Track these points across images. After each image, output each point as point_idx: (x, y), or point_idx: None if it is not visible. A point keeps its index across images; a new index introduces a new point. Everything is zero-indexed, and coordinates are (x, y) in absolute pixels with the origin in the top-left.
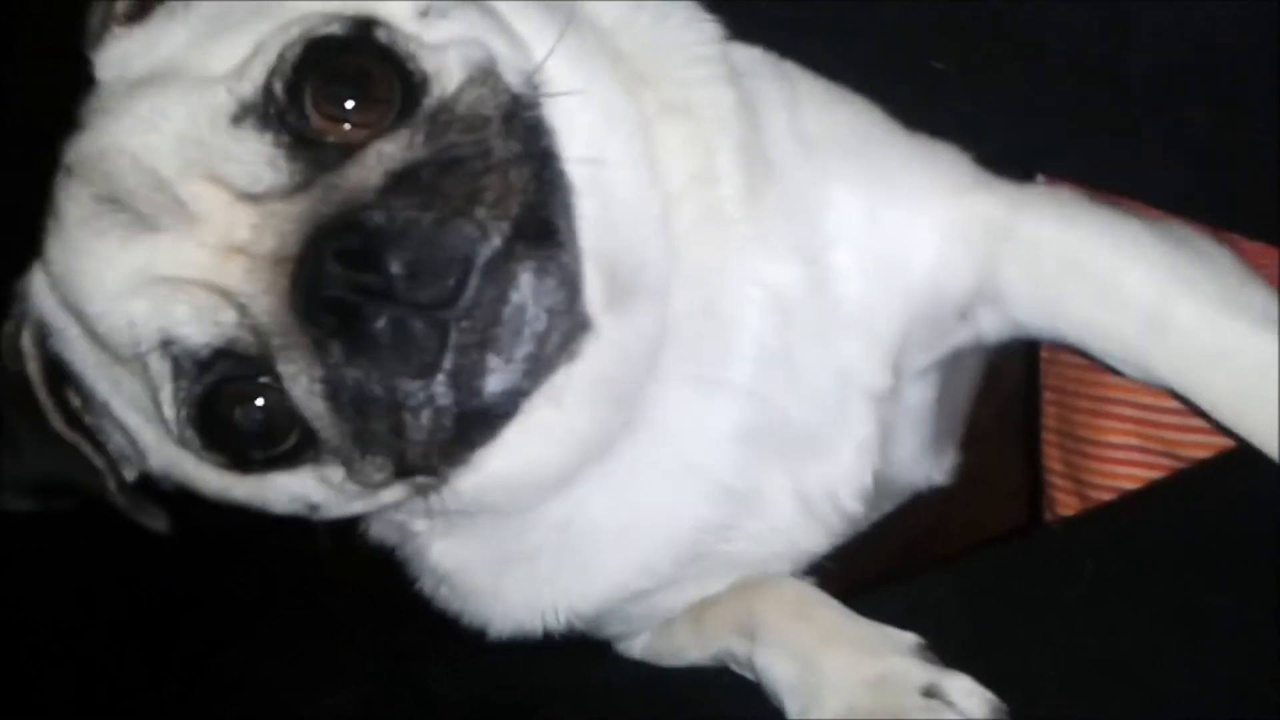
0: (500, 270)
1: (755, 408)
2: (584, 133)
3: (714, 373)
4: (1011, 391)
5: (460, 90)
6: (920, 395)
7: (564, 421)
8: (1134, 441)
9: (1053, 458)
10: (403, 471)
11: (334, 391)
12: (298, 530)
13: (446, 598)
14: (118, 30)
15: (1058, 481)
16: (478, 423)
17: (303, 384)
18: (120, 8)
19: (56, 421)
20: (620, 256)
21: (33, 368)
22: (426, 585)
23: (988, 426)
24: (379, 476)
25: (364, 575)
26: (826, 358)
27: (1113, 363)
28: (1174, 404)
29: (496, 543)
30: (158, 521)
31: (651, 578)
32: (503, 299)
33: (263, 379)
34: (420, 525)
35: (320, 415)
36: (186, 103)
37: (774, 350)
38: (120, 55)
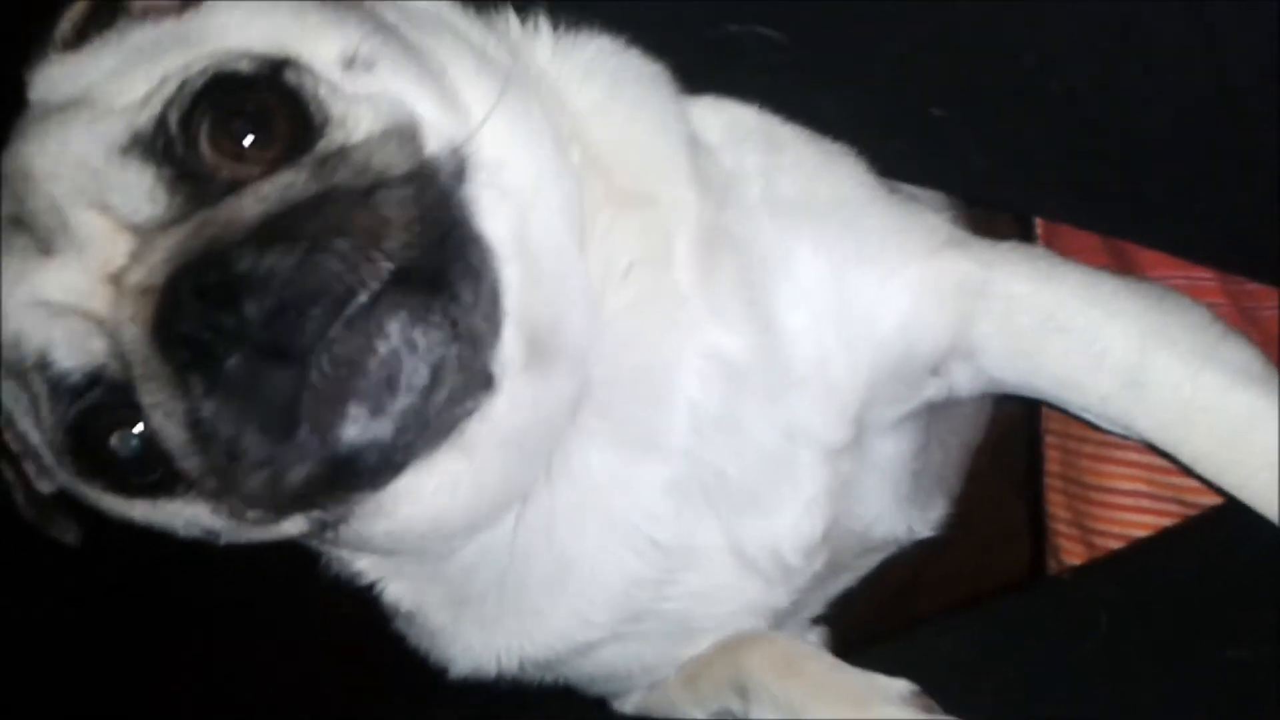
0: (369, 317)
1: (687, 467)
2: (513, 200)
3: (643, 435)
4: (1003, 435)
5: (365, 141)
6: (892, 448)
7: (470, 472)
8: (1142, 488)
9: (1057, 504)
10: (279, 509)
11: (194, 423)
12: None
13: (414, 635)
14: (54, 56)
15: (1062, 529)
16: (350, 471)
17: (159, 415)
18: (59, 34)
19: None
20: (540, 321)
21: None
22: (397, 623)
23: (980, 470)
24: (249, 514)
25: None
26: (774, 416)
27: (1090, 417)
28: None
29: (447, 585)
30: (68, 534)
31: (590, 629)
32: (368, 348)
33: (133, 408)
34: (361, 564)
35: (178, 448)
36: (88, 131)
37: (713, 414)
38: (50, 80)
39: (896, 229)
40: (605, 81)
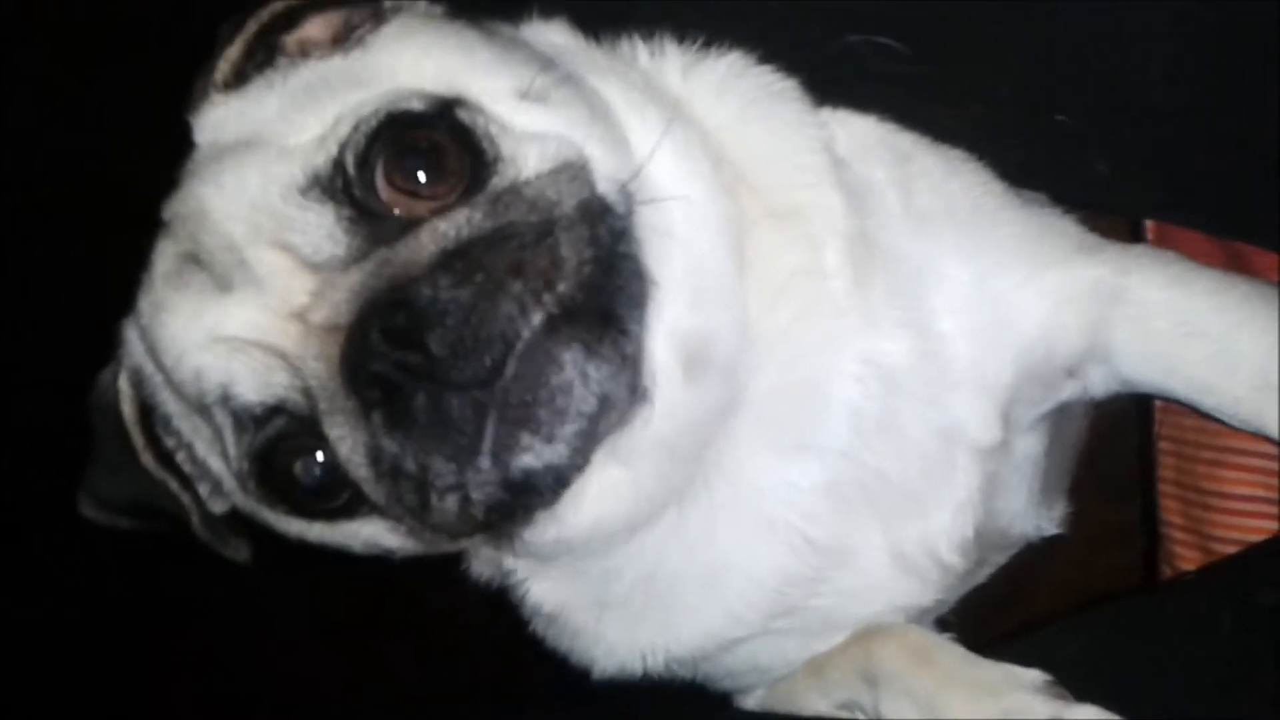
0: (542, 350)
1: (845, 469)
2: (678, 229)
3: (801, 439)
4: (1100, 442)
5: (535, 178)
6: (1029, 447)
7: (629, 478)
8: (1259, 493)
9: (1171, 510)
10: (461, 532)
11: (376, 457)
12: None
13: (554, 637)
14: (216, 97)
15: (1178, 535)
16: (526, 494)
17: (346, 447)
18: (220, 76)
19: (147, 459)
20: (696, 338)
21: (127, 409)
22: (535, 624)
23: (1078, 479)
24: (429, 537)
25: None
26: (932, 418)
27: (1223, 418)
28: None
29: (593, 586)
30: (240, 553)
31: (740, 626)
32: (542, 380)
33: (316, 438)
34: (511, 564)
35: (363, 477)
36: (264, 172)
37: (874, 418)
38: (215, 121)
39: (1032, 235)
40: (738, 99)
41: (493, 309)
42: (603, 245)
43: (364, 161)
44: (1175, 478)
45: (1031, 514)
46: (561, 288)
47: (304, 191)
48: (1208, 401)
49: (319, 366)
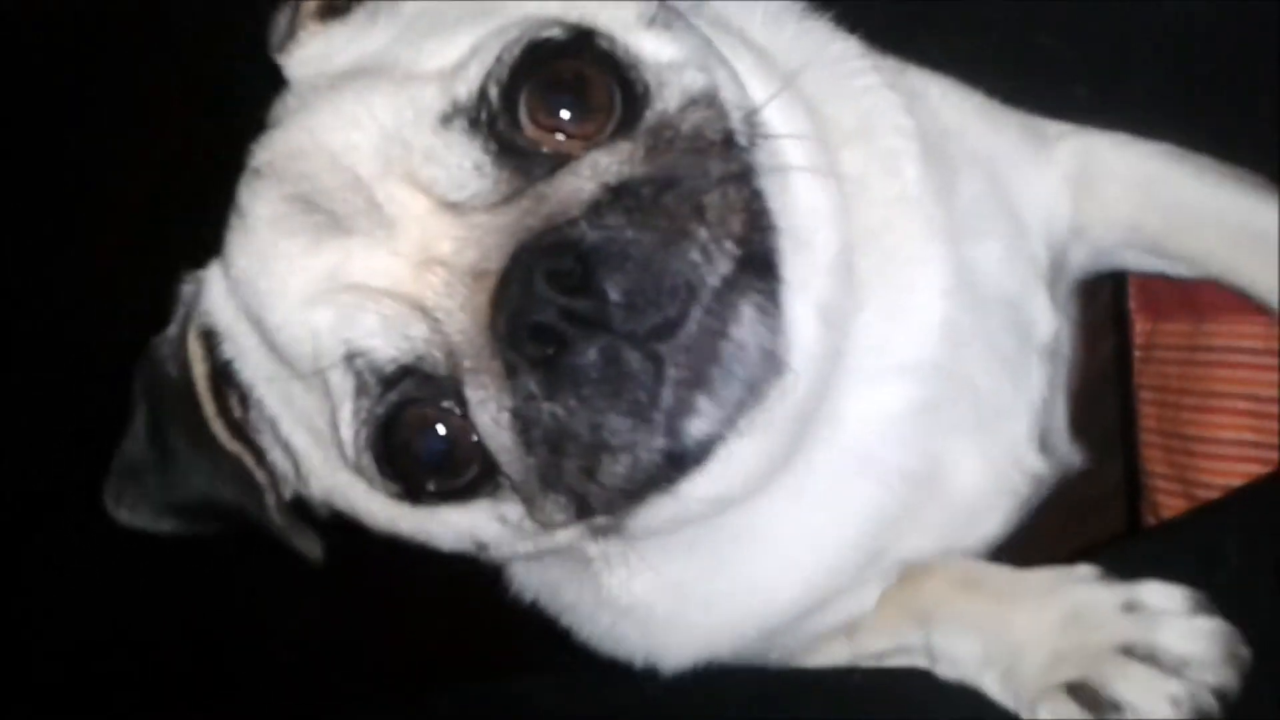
0: (723, 302)
1: (937, 385)
2: (791, 181)
3: (894, 362)
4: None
5: (683, 109)
6: (1066, 343)
7: (753, 450)
8: (1248, 436)
9: (1154, 460)
10: (584, 513)
11: (525, 424)
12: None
13: (619, 635)
14: (312, 27)
15: (1162, 484)
16: (673, 466)
17: (490, 412)
18: (310, 6)
19: (219, 430)
20: (825, 293)
21: (199, 371)
22: (587, 627)
23: None
24: (559, 517)
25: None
26: (1014, 320)
27: (1194, 274)
28: None
29: (677, 566)
30: (313, 547)
31: (837, 577)
32: (722, 334)
33: (446, 404)
34: (594, 550)
35: (505, 447)
36: (394, 99)
37: (966, 328)
38: (318, 53)
39: (1026, 133)
40: (809, 46)
41: (672, 252)
42: (754, 191)
43: (508, 94)
44: (1158, 426)
45: (1066, 435)
46: (735, 233)
47: (445, 121)
48: (1176, 262)
49: (464, 318)
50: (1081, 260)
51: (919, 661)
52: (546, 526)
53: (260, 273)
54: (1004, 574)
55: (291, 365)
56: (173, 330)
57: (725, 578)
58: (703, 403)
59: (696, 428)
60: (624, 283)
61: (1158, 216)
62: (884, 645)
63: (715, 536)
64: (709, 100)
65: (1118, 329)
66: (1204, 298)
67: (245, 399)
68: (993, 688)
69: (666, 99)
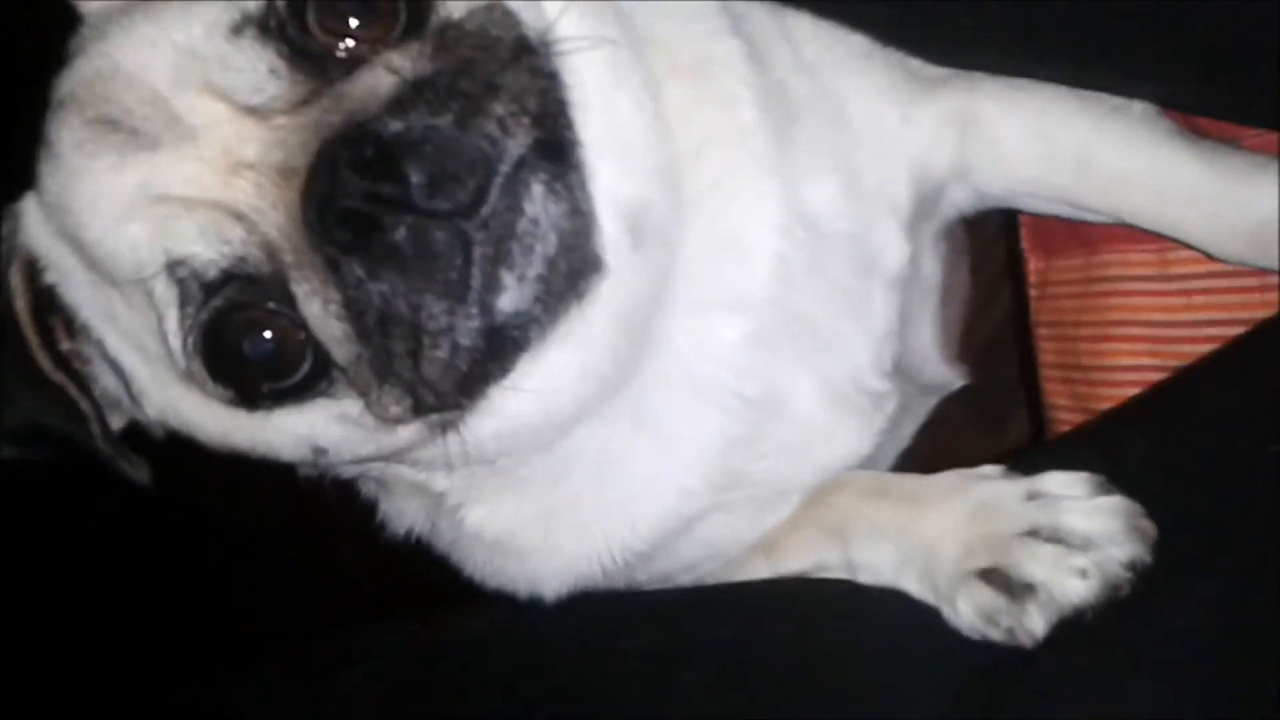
0: (517, 180)
1: (770, 317)
2: (592, 88)
3: (725, 295)
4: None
5: (468, 14)
6: (929, 272)
7: (578, 360)
8: (1146, 361)
9: (1056, 393)
10: (418, 406)
11: (354, 310)
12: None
13: (495, 568)
14: None
15: (1064, 416)
16: (493, 351)
17: (317, 304)
18: None
19: (44, 362)
20: (635, 200)
21: (20, 304)
22: (468, 562)
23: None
24: (396, 409)
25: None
26: (853, 254)
27: (1052, 208)
28: (1186, 317)
29: (534, 497)
30: (140, 472)
31: (692, 500)
32: (517, 209)
33: (272, 304)
34: (442, 483)
35: (337, 337)
36: (184, 15)
37: (800, 264)
38: None
39: (898, 74)
40: None
41: (472, 135)
42: (548, 80)
43: (295, 2)
44: (1057, 360)
45: (937, 358)
46: (531, 120)
47: (236, 30)
48: (1043, 194)
49: (278, 216)
50: (963, 199)
51: (840, 576)
52: (384, 420)
53: (72, 195)
54: (910, 480)
55: (114, 282)
56: None
57: (583, 506)
58: (506, 277)
59: (505, 302)
60: (425, 164)
61: (1067, 173)
62: (804, 564)
63: (566, 466)
64: (492, 7)
65: (1010, 266)
66: (1095, 231)
67: (71, 325)
68: (912, 587)
69: (450, 5)
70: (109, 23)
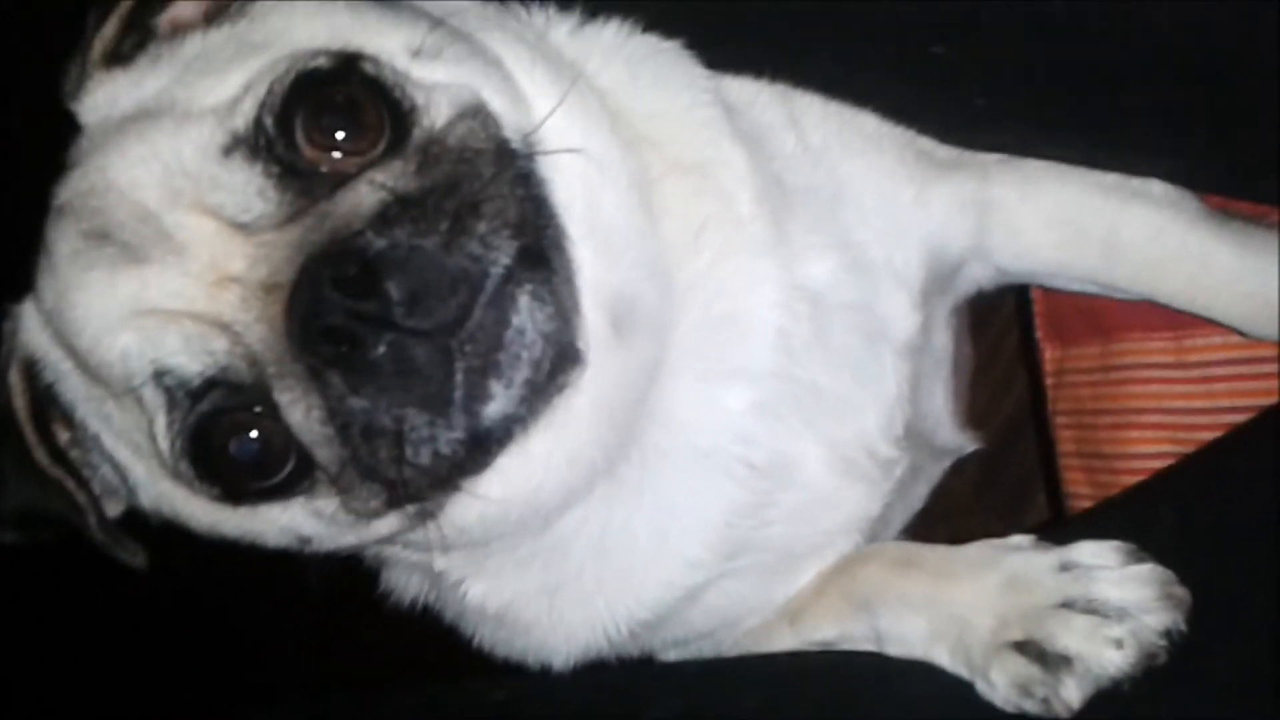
0: (502, 294)
1: (776, 387)
2: (579, 183)
3: (729, 367)
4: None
5: (450, 124)
6: (942, 344)
7: (563, 447)
8: (1166, 448)
9: (1076, 481)
10: (395, 501)
11: (335, 418)
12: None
13: (502, 639)
14: (99, 75)
15: (1084, 505)
16: (474, 450)
17: (299, 411)
18: (97, 53)
19: (41, 457)
20: (618, 293)
21: (19, 403)
22: (474, 635)
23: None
24: (372, 505)
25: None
26: (859, 323)
27: (1078, 286)
28: (1205, 404)
29: (536, 572)
30: (136, 558)
31: (698, 571)
32: (504, 323)
33: (257, 409)
34: (440, 564)
35: (318, 442)
36: (175, 136)
37: (802, 337)
38: (104, 99)
39: (911, 156)
40: (626, 59)
41: (456, 256)
42: (528, 189)
43: (283, 121)
44: (1076, 449)
45: (950, 424)
46: (514, 233)
47: (227, 151)
48: (1066, 276)
49: (262, 329)
50: (983, 276)
51: (866, 647)
52: (362, 516)
53: (67, 304)
54: (940, 552)
55: (106, 386)
56: None
57: (585, 580)
58: (492, 386)
59: (491, 410)
60: (406, 283)
61: (1093, 257)
62: (829, 634)
63: (564, 544)
64: (475, 113)
65: (1025, 356)
66: (1110, 319)
67: (70, 419)
68: (943, 659)
69: (433, 116)
70: (106, 137)
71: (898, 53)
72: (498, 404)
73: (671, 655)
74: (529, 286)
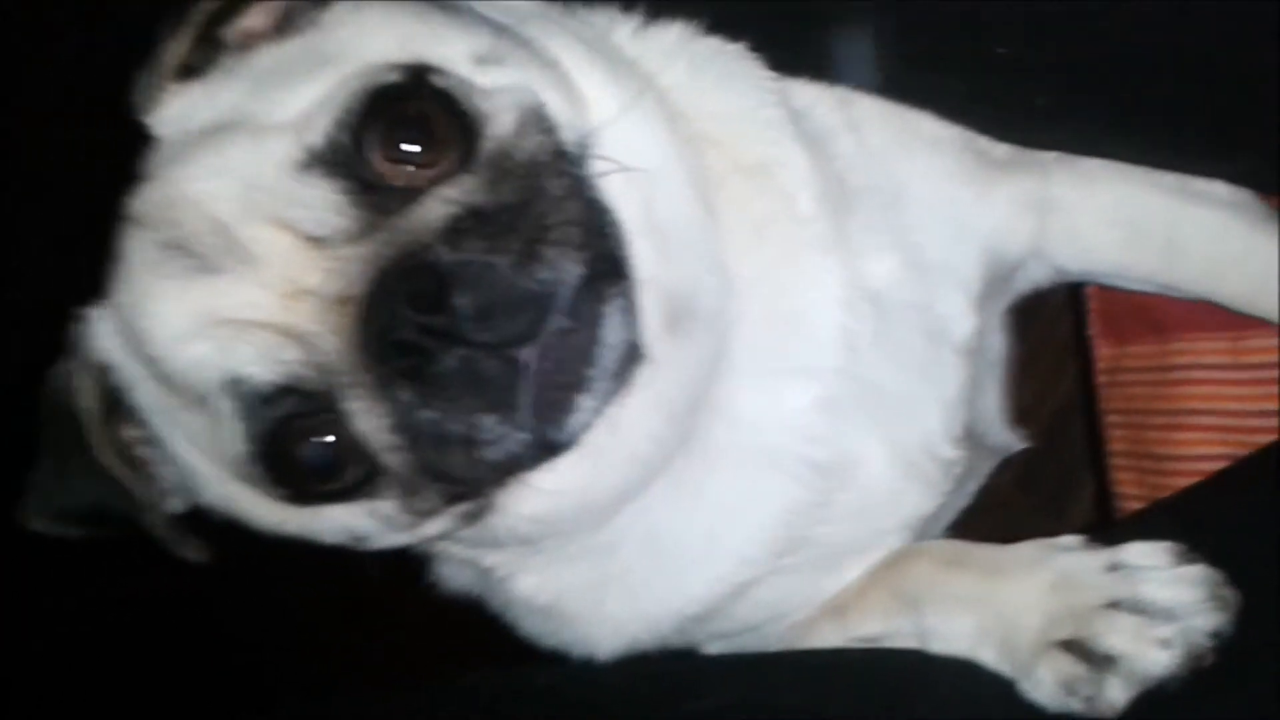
0: (583, 309)
1: (840, 385)
2: (637, 181)
3: (793, 364)
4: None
5: (515, 134)
6: (996, 346)
7: (619, 445)
8: (1219, 450)
9: (1126, 482)
10: (455, 499)
11: (405, 428)
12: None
13: (551, 633)
14: (172, 88)
15: (1133, 506)
16: (542, 451)
17: (369, 420)
18: (169, 66)
19: (107, 457)
20: (676, 291)
21: (88, 404)
22: (520, 625)
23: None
24: (429, 506)
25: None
26: (920, 323)
27: (1137, 286)
28: (1260, 406)
29: (585, 568)
30: (199, 554)
31: (749, 568)
32: (589, 339)
33: (328, 416)
34: (489, 560)
35: (387, 448)
36: (252, 151)
37: (865, 335)
38: (177, 112)
39: (970, 156)
40: (689, 61)
41: (525, 271)
42: (588, 193)
43: (358, 137)
44: (1127, 449)
45: (1001, 423)
46: (581, 247)
47: (303, 167)
48: (1128, 276)
49: (334, 340)
50: (1041, 276)
51: (909, 644)
52: (418, 516)
53: (140, 312)
54: (989, 551)
55: (178, 393)
56: (64, 366)
57: (634, 575)
58: (576, 400)
59: (573, 421)
60: (475, 299)
61: (1154, 258)
62: (873, 629)
63: (615, 541)
64: (538, 121)
65: (1078, 353)
66: (1167, 318)
67: (138, 419)
68: (989, 658)
69: (501, 123)
70: (180, 150)
71: (959, 52)
72: (582, 416)
73: (715, 648)
74: (608, 302)
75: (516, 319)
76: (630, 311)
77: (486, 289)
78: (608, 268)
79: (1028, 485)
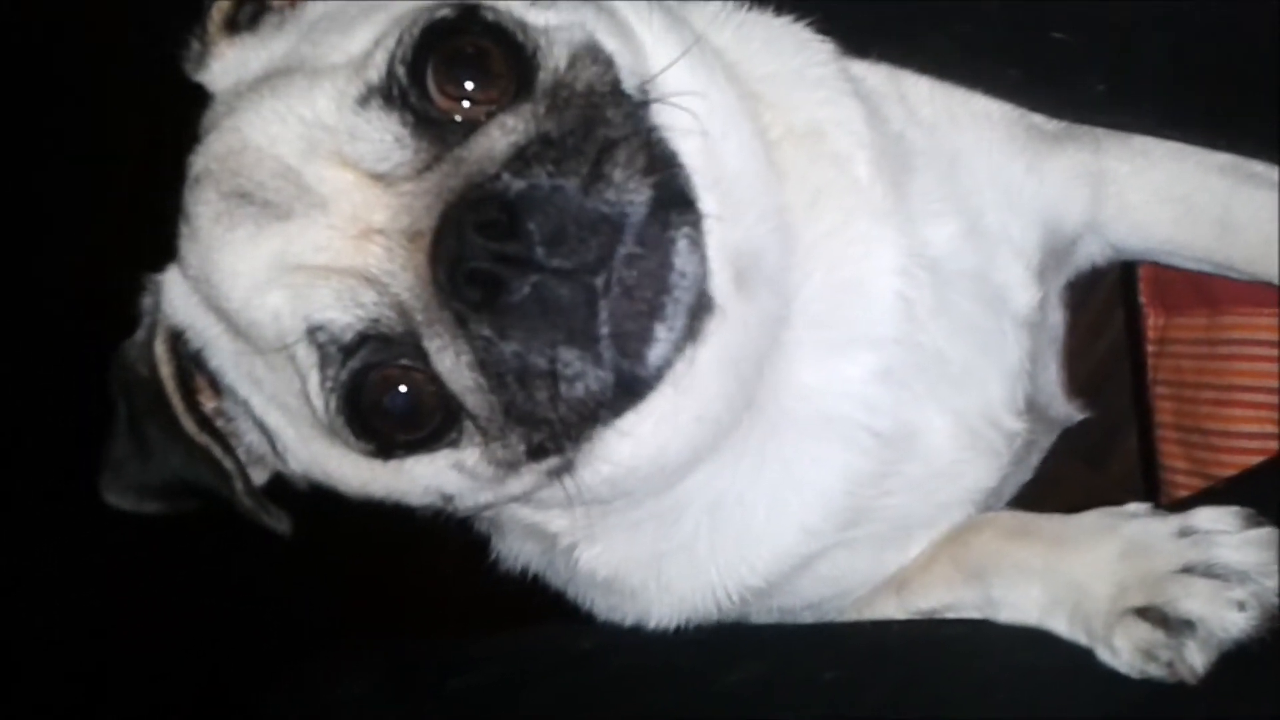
0: (653, 235)
1: (901, 354)
2: (700, 133)
3: (852, 334)
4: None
5: (571, 66)
6: (1056, 319)
7: (690, 403)
8: (1269, 429)
9: (1173, 455)
10: (538, 450)
11: (485, 364)
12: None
13: (610, 607)
14: (222, 44)
15: (1181, 479)
16: (626, 388)
17: (449, 358)
18: (216, 23)
19: (188, 425)
20: (742, 246)
21: (166, 372)
22: (581, 596)
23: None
24: (512, 454)
25: None
26: (979, 291)
27: (1194, 265)
28: None
29: (649, 537)
30: (281, 524)
31: (813, 539)
32: (663, 264)
33: (405, 361)
34: (557, 524)
35: (469, 388)
36: (309, 91)
37: (925, 304)
38: (231, 65)
39: (1021, 130)
40: (737, 25)
41: (594, 194)
42: (651, 130)
43: (415, 71)
44: (1175, 421)
45: (1062, 396)
46: (648, 175)
47: (363, 102)
48: (1184, 253)
49: (408, 277)
50: (1098, 252)
51: (973, 615)
52: (502, 467)
53: (213, 267)
54: (1055, 521)
55: (256, 347)
56: (140, 335)
57: (699, 546)
58: (657, 329)
59: (655, 353)
60: (547, 224)
61: (1207, 236)
62: (935, 602)
63: (682, 507)
64: (594, 55)
65: (1128, 320)
66: (1220, 291)
67: (217, 385)
68: (1061, 627)
69: (556, 56)
70: (239, 100)
71: (1014, 37)
72: (661, 347)
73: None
74: (684, 229)
75: (589, 243)
76: (699, 245)
77: (556, 213)
78: (675, 196)
79: (1068, 438)
